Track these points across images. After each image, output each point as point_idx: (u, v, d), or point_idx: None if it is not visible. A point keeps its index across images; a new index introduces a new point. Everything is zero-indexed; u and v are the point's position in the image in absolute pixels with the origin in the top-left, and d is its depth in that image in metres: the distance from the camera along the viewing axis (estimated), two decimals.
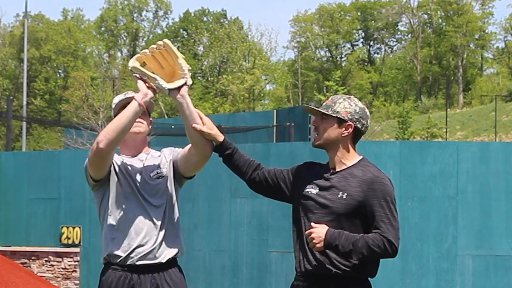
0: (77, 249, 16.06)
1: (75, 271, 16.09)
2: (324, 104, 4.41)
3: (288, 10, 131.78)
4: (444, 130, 53.28)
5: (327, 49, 79.89)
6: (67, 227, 16.18)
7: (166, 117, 56.23)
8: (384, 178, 4.32)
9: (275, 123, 27.14)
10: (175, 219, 4.63)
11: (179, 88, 4.45)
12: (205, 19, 79.99)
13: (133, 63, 4.47)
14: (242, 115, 34.08)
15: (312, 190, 4.38)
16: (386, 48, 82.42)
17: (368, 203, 4.26)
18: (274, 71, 76.53)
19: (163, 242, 4.55)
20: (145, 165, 4.63)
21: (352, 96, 4.47)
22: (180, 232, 4.65)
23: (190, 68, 4.49)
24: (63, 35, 73.29)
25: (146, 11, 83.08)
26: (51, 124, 60.45)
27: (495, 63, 78.61)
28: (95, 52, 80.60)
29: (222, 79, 70.20)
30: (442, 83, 76.22)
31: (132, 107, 4.44)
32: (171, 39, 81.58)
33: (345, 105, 4.37)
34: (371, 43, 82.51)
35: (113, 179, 4.57)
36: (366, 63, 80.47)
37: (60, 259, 16.17)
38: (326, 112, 4.36)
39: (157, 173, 4.61)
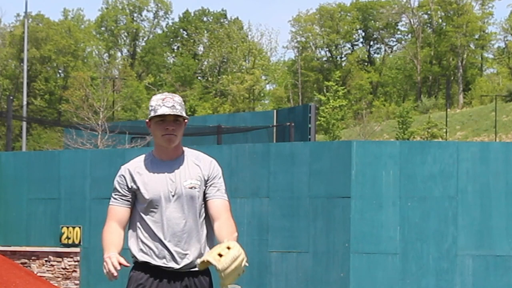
0: (77, 249, 16.05)
1: (75, 271, 16.08)
2: None
3: (288, 10, 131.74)
4: (444, 130, 53.29)
5: (327, 49, 79.91)
6: (67, 227, 16.17)
7: None
8: None
9: (275, 123, 27.12)
10: (205, 228, 4.70)
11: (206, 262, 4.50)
12: (205, 19, 79.99)
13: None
14: (242, 115, 34.04)
15: None
16: (386, 48, 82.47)
17: None
18: (274, 71, 76.56)
19: (194, 249, 4.63)
20: (180, 171, 4.66)
21: None
22: (208, 240, 4.72)
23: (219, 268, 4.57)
24: (63, 35, 73.32)
25: (146, 11, 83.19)
26: (51, 124, 60.45)
27: (495, 63, 78.65)
28: (95, 52, 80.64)
29: (222, 79, 70.18)
30: (442, 83, 76.22)
31: (106, 253, 4.49)
32: (171, 39, 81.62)
33: None
34: (371, 43, 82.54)
35: (149, 183, 4.61)
36: (366, 63, 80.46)
37: (60, 259, 16.17)
38: None
39: (191, 183, 4.64)
